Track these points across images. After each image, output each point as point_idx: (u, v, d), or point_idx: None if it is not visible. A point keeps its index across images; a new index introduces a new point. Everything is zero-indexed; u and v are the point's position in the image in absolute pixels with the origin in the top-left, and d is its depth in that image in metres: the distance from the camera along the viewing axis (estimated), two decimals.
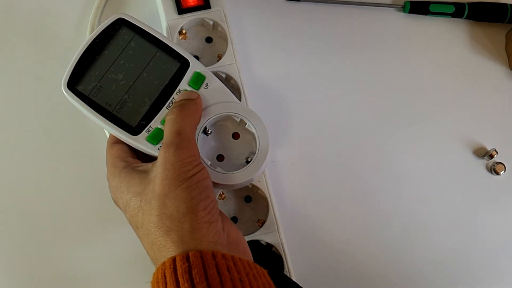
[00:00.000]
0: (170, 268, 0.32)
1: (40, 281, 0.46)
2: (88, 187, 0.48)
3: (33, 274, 0.47)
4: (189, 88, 0.41)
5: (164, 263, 0.33)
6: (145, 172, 0.37)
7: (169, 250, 0.33)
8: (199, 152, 0.37)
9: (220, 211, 0.37)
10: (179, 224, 0.33)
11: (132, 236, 0.37)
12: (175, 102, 0.40)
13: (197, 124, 0.40)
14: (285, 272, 0.45)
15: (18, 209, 0.47)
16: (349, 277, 0.48)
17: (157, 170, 0.35)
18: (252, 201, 0.47)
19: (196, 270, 0.32)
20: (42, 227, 0.47)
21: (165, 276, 0.32)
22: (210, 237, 0.34)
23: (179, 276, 0.32)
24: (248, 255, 0.37)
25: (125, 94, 0.41)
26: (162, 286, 0.32)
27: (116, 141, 0.41)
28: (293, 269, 0.45)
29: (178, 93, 0.41)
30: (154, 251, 0.34)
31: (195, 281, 0.31)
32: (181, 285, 0.31)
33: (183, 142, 0.36)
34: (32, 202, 0.48)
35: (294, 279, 0.45)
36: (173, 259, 0.32)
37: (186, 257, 0.32)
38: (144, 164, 0.38)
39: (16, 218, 0.47)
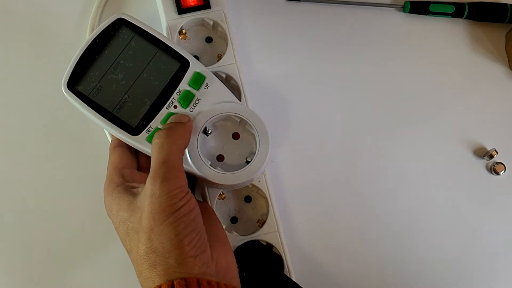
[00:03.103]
0: None
1: (38, 281, 0.46)
2: (88, 188, 0.48)
3: (31, 274, 0.46)
4: (189, 88, 0.41)
5: None
6: (135, 196, 0.36)
7: (154, 282, 0.34)
8: (186, 180, 0.36)
9: (215, 231, 0.37)
10: (164, 259, 0.33)
11: None
12: (164, 124, 0.40)
13: (185, 148, 0.38)
14: (285, 272, 0.45)
15: (17, 210, 0.47)
16: (349, 277, 0.48)
17: (144, 202, 0.35)
18: (252, 201, 0.47)
19: None
20: (41, 228, 0.47)
21: None
22: (196, 269, 0.34)
23: None
24: (236, 281, 0.37)
25: (125, 94, 0.41)
26: None
27: (118, 144, 0.41)
28: (293, 269, 0.45)
29: (178, 93, 0.41)
30: (141, 280, 0.35)
31: None
32: None
33: (169, 172, 0.35)
34: (31, 203, 0.48)
35: (294, 279, 0.45)
36: None
37: (171, 286, 0.32)
38: (137, 185, 0.38)
39: (15, 219, 0.47)
